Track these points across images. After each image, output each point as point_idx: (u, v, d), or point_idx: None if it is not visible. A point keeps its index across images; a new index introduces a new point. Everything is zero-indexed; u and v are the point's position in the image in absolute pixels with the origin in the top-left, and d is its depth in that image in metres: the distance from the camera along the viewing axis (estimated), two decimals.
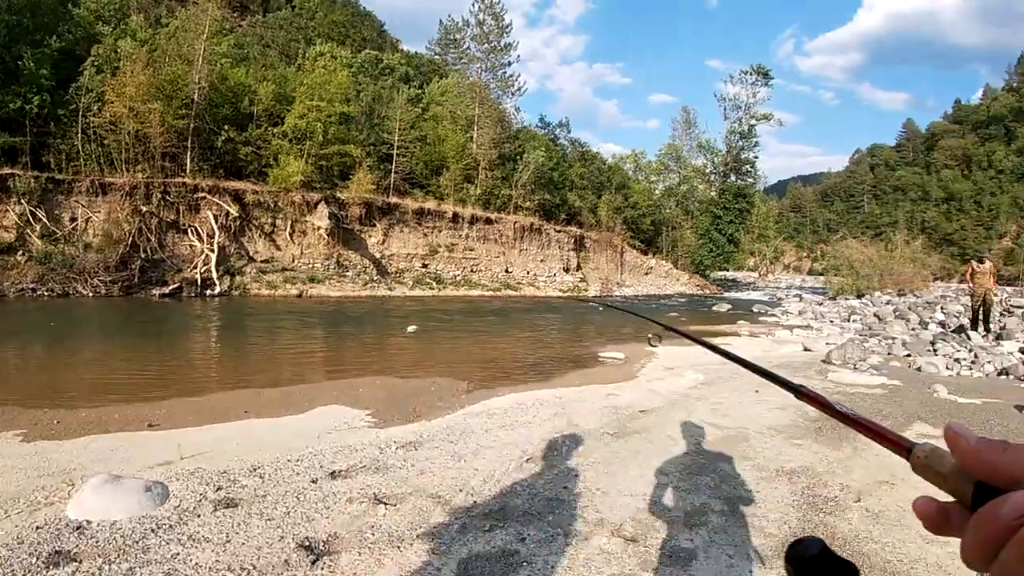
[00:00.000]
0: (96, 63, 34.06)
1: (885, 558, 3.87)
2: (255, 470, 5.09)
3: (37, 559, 3.55)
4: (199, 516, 4.13)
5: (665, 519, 4.34)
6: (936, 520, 0.50)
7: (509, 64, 58.63)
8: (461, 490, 4.72)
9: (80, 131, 32.86)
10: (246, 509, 4.25)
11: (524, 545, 3.85)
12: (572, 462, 5.52)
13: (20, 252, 29.15)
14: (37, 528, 3.96)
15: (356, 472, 5.10)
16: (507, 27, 58.03)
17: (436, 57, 68.16)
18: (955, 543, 0.48)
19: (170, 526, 3.96)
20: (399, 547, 3.75)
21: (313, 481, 4.84)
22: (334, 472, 5.07)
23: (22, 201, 29.75)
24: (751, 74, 63.06)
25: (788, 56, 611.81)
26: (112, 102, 32.46)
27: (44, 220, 30.05)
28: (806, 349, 15.39)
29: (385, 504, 4.36)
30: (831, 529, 4.29)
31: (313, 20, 64.25)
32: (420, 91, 52.85)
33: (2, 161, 30.80)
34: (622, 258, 53.33)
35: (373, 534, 3.92)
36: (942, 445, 0.54)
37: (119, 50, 34.91)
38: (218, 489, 4.59)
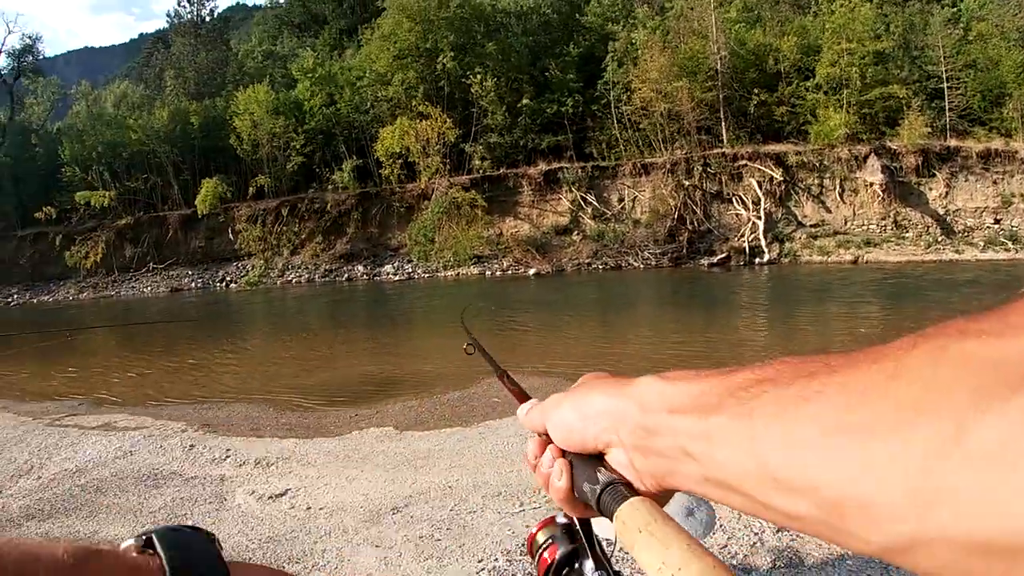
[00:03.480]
0: (616, 58, 36.21)
1: None
2: None
3: None
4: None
5: None
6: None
7: None
8: None
9: (615, 121, 35.26)
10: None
11: None
12: None
13: (575, 232, 32.75)
14: None
15: None
16: None
17: None
18: None
19: None
20: None
21: None
22: None
23: (572, 189, 33.26)
24: None
25: None
26: (639, 89, 33.90)
27: (594, 203, 32.99)
28: None
29: None
30: None
31: None
32: (955, 9, 44.08)
33: (551, 158, 34.91)
34: None
35: None
36: None
37: (634, 41, 36.28)
38: (779, 531, 3.61)
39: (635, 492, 0.53)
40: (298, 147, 38.07)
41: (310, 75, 39.80)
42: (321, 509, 5.33)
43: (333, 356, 14.67)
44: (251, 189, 37.84)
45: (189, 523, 4.69)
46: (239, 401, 10.30)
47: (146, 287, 37.20)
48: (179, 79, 46.41)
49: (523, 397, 0.79)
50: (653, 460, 0.52)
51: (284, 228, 36.44)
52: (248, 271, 35.98)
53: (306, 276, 34.55)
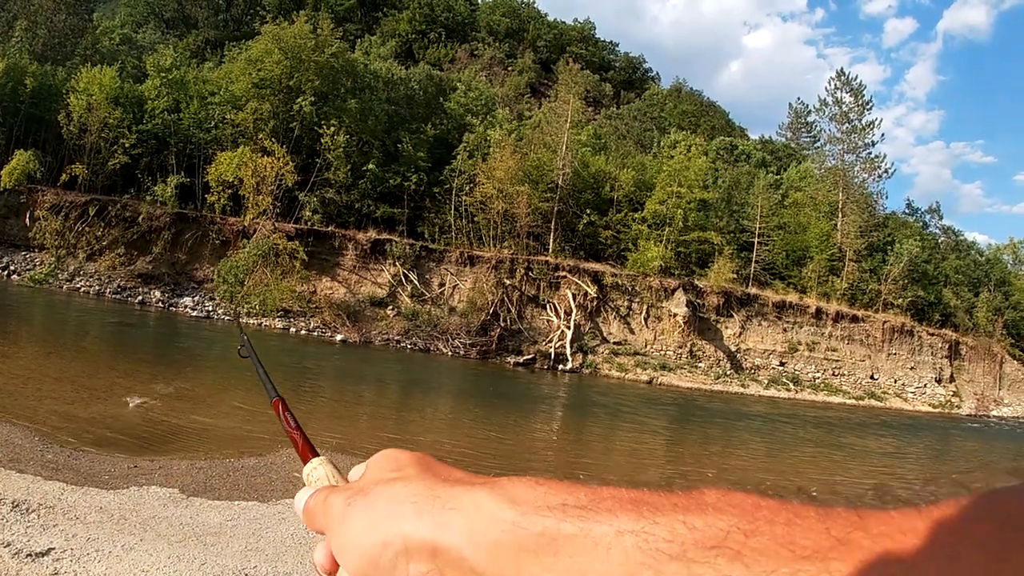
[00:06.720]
0: (468, 149, 37.48)
1: None
2: None
3: None
4: None
5: None
6: None
7: (872, 144, 51.95)
8: None
9: (453, 207, 36.17)
10: None
11: None
12: None
13: (390, 307, 32.49)
14: None
15: None
16: (868, 104, 51.83)
17: (788, 142, 64.17)
18: None
19: None
20: None
21: None
22: None
23: (397, 263, 33.25)
24: None
25: None
26: (483, 183, 35.11)
27: (415, 282, 33.14)
28: None
29: None
30: None
31: (663, 111, 65.12)
32: (778, 177, 49.35)
33: (382, 228, 34.91)
34: (1000, 370, 43.56)
35: None
36: None
37: (488, 138, 37.97)
38: None
39: None
40: (127, 145, 34.95)
41: (164, 74, 37.39)
42: None
43: (113, 388, 13.34)
44: (64, 176, 34.20)
45: None
46: None
47: None
48: (29, 33, 42.18)
49: (308, 450, 0.61)
50: None
51: (87, 229, 33.10)
52: (36, 266, 32.48)
53: (97, 288, 31.48)
